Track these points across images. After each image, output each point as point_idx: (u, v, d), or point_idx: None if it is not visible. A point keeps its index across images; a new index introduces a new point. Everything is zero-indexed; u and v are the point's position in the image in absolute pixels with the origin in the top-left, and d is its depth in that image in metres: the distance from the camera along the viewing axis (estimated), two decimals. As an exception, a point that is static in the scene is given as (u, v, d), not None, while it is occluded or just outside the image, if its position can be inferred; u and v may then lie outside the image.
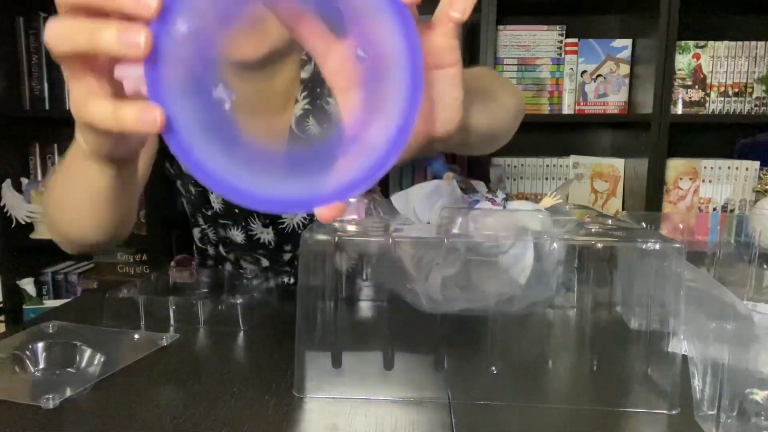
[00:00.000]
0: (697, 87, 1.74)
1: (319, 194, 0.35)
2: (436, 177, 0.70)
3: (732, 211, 1.75)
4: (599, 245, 0.61)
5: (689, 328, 0.55)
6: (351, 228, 0.64)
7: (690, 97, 1.74)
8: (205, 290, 0.89)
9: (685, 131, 1.83)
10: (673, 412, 0.58)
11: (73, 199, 0.64)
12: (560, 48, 1.77)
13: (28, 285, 1.79)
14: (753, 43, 1.72)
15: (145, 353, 0.71)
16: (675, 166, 1.75)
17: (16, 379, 0.64)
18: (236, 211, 0.88)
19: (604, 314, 0.71)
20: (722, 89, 1.74)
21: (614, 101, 1.79)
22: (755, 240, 0.87)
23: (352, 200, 0.72)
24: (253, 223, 0.90)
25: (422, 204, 0.67)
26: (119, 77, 0.36)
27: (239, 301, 0.79)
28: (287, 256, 0.99)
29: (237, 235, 0.92)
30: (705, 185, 1.76)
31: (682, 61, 1.74)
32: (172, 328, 0.79)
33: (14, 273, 1.76)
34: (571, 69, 1.77)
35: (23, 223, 1.71)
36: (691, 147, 1.87)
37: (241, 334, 0.79)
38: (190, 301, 0.79)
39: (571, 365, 0.68)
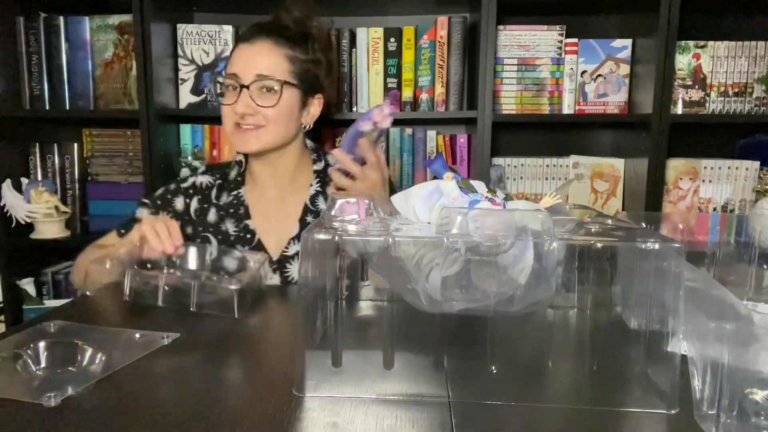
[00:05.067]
0: (697, 87, 1.74)
1: None
2: (436, 177, 0.70)
3: (732, 211, 1.75)
4: (599, 245, 0.61)
5: (689, 328, 0.55)
6: (351, 228, 0.65)
7: (690, 97, 1.74)
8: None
9: (685, 131, 1.83)
10: (672, 412, 0.58)
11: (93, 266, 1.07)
12: (560, 48, 1.77)
13: (28, 285, 1.79)
14: (753, 43, 1.72)
15: (145, 352, 0.71)
16: (675, 166, 1.75)
17: (17, 378, 0.64)
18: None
19: (604, 314, 0.71)
20: (722, 89, 1.74)
21: (614, 101, 1.79)
22: (755, 240, 0.87)
23: (352, 200, 0.72)
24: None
25: (422, 204, 0.67)
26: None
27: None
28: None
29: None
30: (705, 185, 1.75)
31: (682, 61, 1.74)
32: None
33: (14, 273, 1.76)
34: (571, 69, 1.77)
35: (23, 223, 1.71)
36: (691, 147, 1.87)
37: (242, 334, 0.79)
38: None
39: (571, 365, 0.68)
